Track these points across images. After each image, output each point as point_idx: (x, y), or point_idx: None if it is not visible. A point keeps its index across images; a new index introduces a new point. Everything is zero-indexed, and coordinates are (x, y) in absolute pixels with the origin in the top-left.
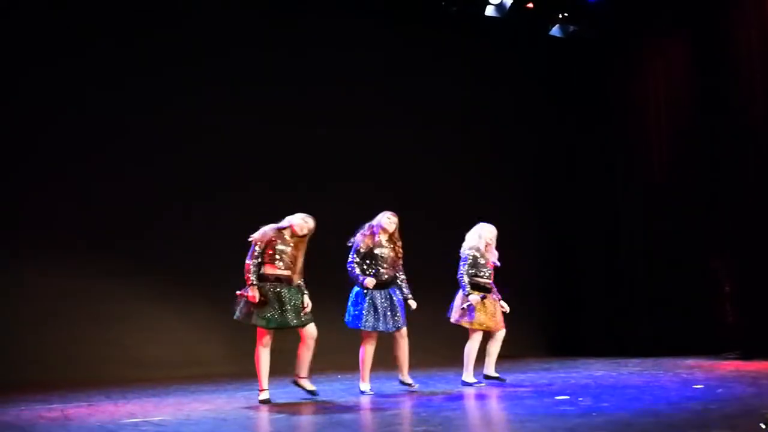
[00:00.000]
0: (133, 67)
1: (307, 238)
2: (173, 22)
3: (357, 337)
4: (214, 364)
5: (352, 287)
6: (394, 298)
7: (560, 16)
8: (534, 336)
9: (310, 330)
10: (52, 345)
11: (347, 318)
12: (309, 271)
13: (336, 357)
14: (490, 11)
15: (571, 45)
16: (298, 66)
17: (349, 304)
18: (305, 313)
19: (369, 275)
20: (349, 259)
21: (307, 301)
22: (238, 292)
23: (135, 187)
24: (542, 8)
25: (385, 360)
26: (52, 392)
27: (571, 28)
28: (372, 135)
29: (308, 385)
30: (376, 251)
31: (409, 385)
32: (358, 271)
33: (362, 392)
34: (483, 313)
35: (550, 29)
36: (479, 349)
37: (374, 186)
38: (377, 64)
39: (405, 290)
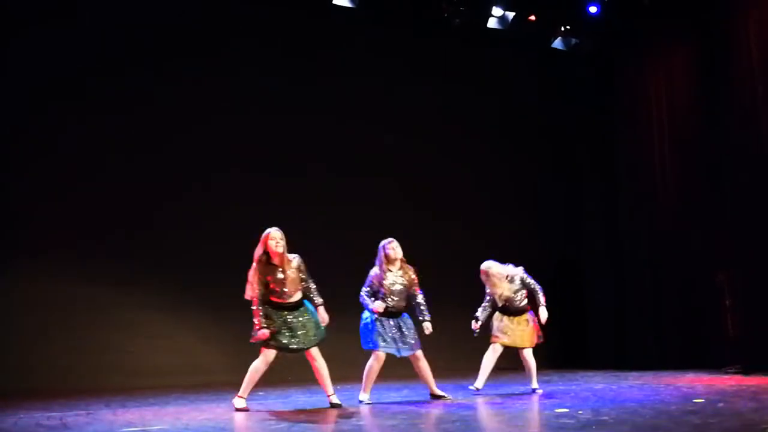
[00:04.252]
0: (142, 70)
1: (285, 252)
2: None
3: (357, 348)
4: (213, 373)
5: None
6: (403, 326)
7: (562, 28)
8: (534, 348)
9: (312, 353)
10: (52, 353)
11: (362, 343)
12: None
13: (336, 368)
14: (492, 23)
15: (573, 57)
16: (300, 77)
17: (360, 330)
18: (322, 324)
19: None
20: (361, 292)
21: (322, 312)
22: (252, 338)
23: (138, 196)
24: (544, 21)
25: (387, 373)
26: (52, 400)
27: (573, 40)
28: (371, 144)
29: (334, 400)
30: (386, 282)
31: (443, 396)
32: (367, 299)
33: (360, 402)
34: (501, 330)
35: (552, 42)
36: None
37: (374, 198)
38: (379, 71)
39: (424, 312)
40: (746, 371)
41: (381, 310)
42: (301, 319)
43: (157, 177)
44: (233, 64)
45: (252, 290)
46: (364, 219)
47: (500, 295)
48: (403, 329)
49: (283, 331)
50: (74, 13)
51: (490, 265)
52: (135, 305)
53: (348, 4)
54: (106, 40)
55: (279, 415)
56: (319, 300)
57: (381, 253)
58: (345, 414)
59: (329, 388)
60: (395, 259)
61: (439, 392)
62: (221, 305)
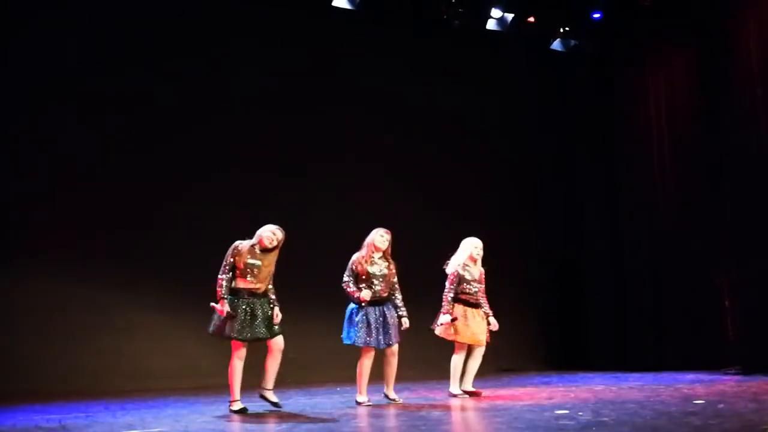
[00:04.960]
0: (142, 70)
1: (277, 250)
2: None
3: (356, 350)
4: (213, 375)
5: (347, 304)
6: (388, 315)
7: (561, 30)
8: (533, 349)
9: (278, 342)
10: (51, 355)
11: (343, 335)
12: (310, 284)
13: (335, 370)
14: (491, 25)
15: (573, 58)
16: (300, 78)
17: (345, 321)
18: (275, 324)
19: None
20: (344, 278)
21: (277, 312)
22: (212, 305)
23: (138, 196)
24: (543, 22)
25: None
26: (51, 402)
27: (573, 42)
28: (371, 144)
29: (272, 397)
30: (370, 269)
31: (394, 400)
32: (352, 287)
33: (358, 403)
34: (467, 328)
35: (551, 43)
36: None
37: (374, 198)
38: (379, 71)
39: (401, 308)
40: (746, 372)
41: (369, 298)
42: (266, 309)
43: (156, 177)
44: (233, 64)
45: (222, 269)
46: (364, 219)
47: (466, 278)
48: (388, 319)
49: (246, 320)
50: (74, 13)
51: None
52: (134, 307)
53: (347, 6)
54: (106, 40)
55: (278, 417)
56: (275, 301)
57: (371, 238)
58: (344, 416)
59: (270, 382)
60: (382, 250)
61: (393, 395)
62: None
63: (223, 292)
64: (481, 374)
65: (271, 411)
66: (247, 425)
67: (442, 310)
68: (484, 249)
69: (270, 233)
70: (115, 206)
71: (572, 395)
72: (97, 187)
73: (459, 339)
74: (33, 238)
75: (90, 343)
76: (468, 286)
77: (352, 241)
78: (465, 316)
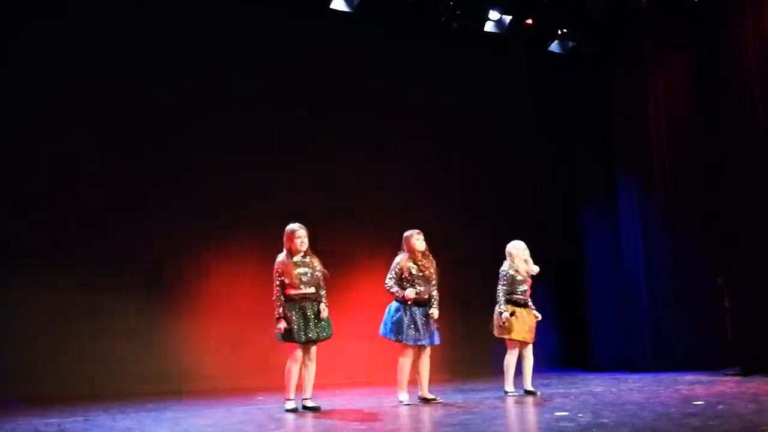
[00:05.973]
0: (142, 70)
1: (308, 248)
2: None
3: (357, 353)
4: (212, 379)
5: (389, 303)
6: (428, 314)
7: (559, 32)
8: (533, 349)
9: (312, 350)
10: (51, 360)
11: (384, 330)
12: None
13: (335, 371)
14: (489, 27)
15: (572, 59)
16: (300, 78)
17: (387, 317)
18: (322, 319)
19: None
20: (387, 279)
21: (323, 307)
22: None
23: (137, 203)
24: (541, 24)
25: (385, 376)
26: (50, 407)
27: (570, 43)
28: (371, 144)
29: (308, 404)
30: (413, 270)
31: (432, 399)
32: (396, 287)
33: (401, 402)
34: (519, 325)
35: (549, 45)
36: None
37: (374, 198)
38: (379, 71)
39: (432, 302)
40: (746, 373)
41: (413, 296)
42: (315, 310)
43: (157, 178)
44: (233, 64)
45: (275, 285)
46: (363, 218)
47: (517, 279)
48: (429, 318)
49: (300, 324)
50: (74, 13)
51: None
52: (133, 311)
53: (345, 8)
54: (106, 40)
55: (278, 420)
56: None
57: (411, 242)
58: (345, 417)
59: (309, 392)
60: (420, 251)
61: (429, 395)
62: (220, 311)
63: (279, 311)
64: (481, 375)
65: (270, 414)
66: (247, 427)
67: (497, 309)
68: (485, 250)
69: (297, 239)
70: (116, 207)
71: (572, 396)
72: (97, 188)
73: (513, 336)
74: (32, 241)
75: (89, 347)
76: (518, 288)
77: (351, 240)
78: (516, 316)
